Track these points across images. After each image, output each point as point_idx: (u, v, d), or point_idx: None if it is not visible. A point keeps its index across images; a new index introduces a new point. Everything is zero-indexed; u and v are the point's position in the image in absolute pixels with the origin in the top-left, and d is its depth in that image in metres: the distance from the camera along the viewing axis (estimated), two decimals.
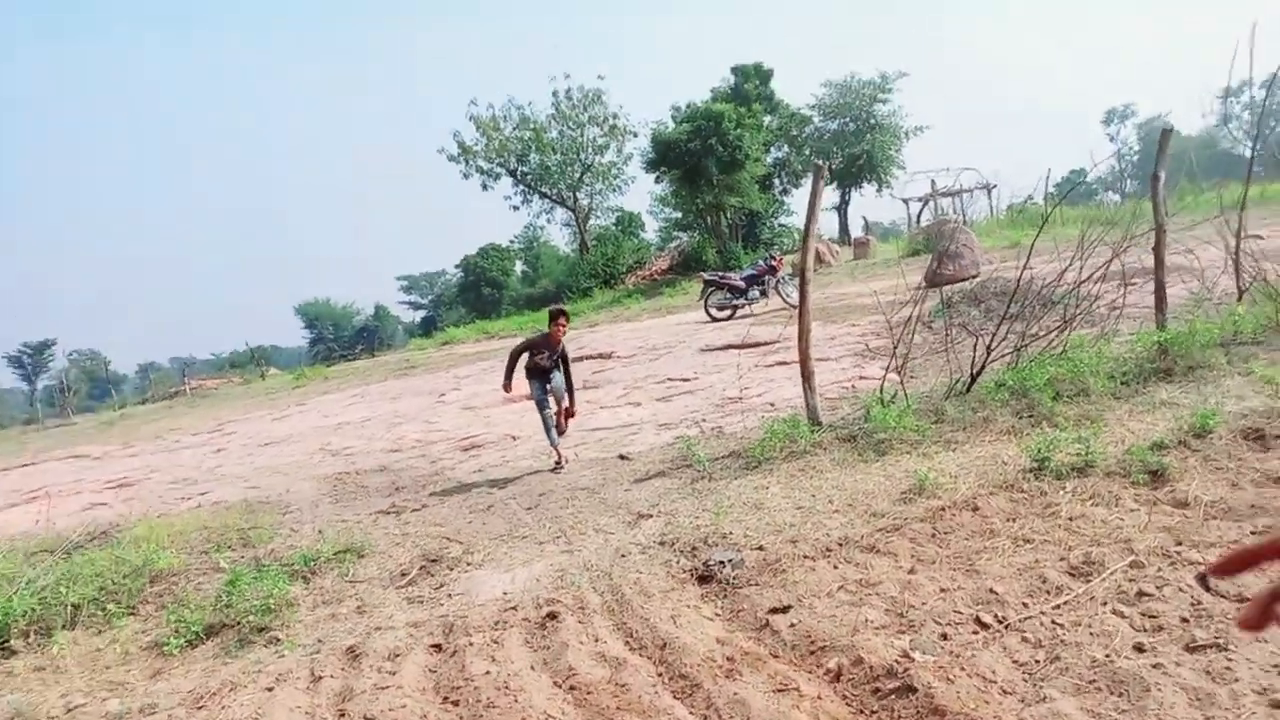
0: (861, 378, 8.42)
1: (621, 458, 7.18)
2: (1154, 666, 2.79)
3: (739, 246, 29.95)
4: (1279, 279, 7.20)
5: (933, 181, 33.03)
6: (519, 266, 59.78)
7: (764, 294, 16.90)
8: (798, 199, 36.15)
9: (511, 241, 60.20)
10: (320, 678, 3.87)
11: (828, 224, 36.22)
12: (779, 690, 3.11)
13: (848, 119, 31.91)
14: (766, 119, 32.27)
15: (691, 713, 3.09)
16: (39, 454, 16.59)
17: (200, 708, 3.76)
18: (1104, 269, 6.94)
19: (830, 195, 34.94)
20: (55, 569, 5.71)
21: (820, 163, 6.95)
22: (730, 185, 26.98)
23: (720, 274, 18.27)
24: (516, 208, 37.86)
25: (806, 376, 6.52)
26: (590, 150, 35.30)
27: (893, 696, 2.93)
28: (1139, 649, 2.93)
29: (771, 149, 33.32)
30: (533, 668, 3.66)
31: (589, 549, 5.09)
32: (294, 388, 22.62)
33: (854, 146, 31.40)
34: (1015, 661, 3.02)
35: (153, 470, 11.14)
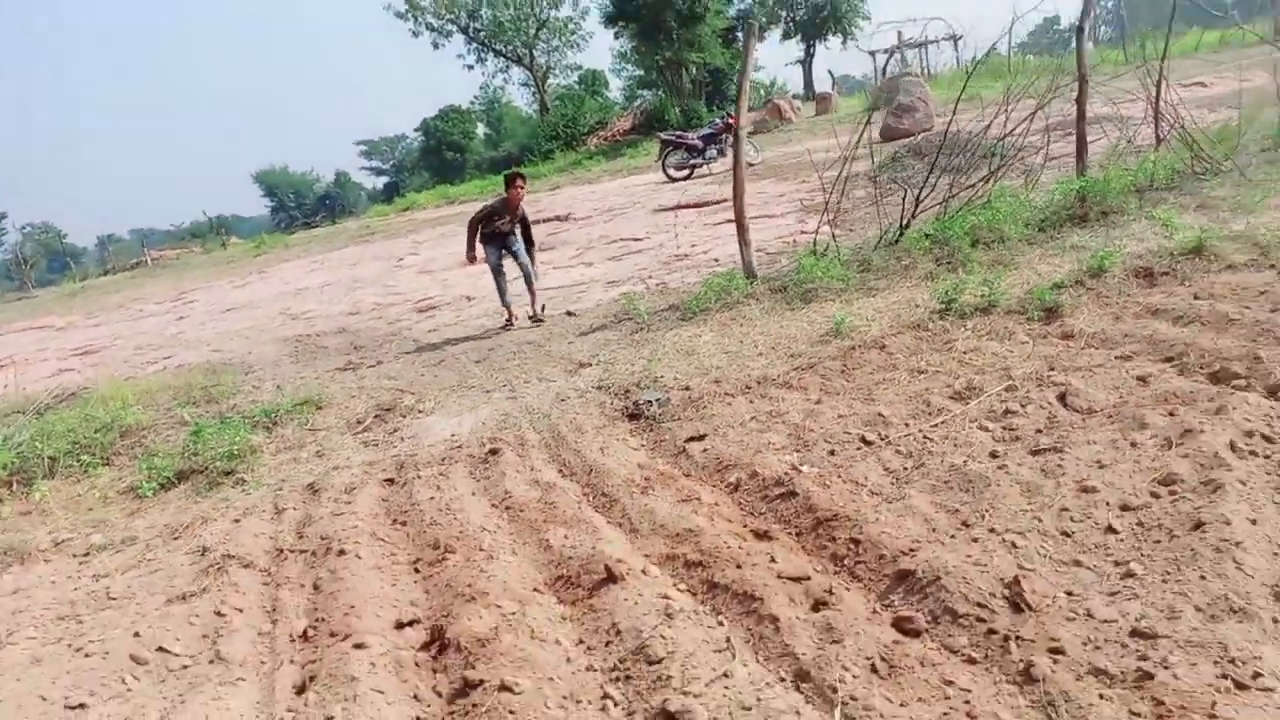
0: (803, 233, 8.67)
1: (568, 314, 7.50)
2: (999, 468, 3.23)
3: (702, 104, 29.33)
4: (1195, 127, 7.45)
5: (899, 33, 32.01)
6: (481, 129, 57.70)
7: (721, 153, 16.83)
8: (764, 53, 35.18)
9: (472, 103, 57.87)
10: (283, 510, 4.28)
11: (793, 79, 35.44)
12: (683, 500, 3.54)
13: None
14: None
15: (608, 522, 3.52)
16: (1, 326, 16.60)
17: (176, 538, 4.16)
18: (1028, 120, 7.15)
19: (795, 49, 34.01)
20: (29, 427, 6.01)
21: (752, 20, 6.94)
22: (690, 40, 26.19)
23: (678, 133, 18.10)
24: (470, 67, 36.54)
25: (742, 233, 6.77)
26: (545, 4, 33.69)
27: (778, 500, 3.37)
28: (993, 455, 3.38)
29: (734, 1, 32.08)
30: (473, 493, 4.07)
31: (531, 395, 5.47)
32: (254, 256, 22.47)
33: None
34: (886, 469, 3.47)
35: (117, 338, 11.31)
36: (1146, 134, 8.18)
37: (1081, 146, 7.19)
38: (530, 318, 7.46)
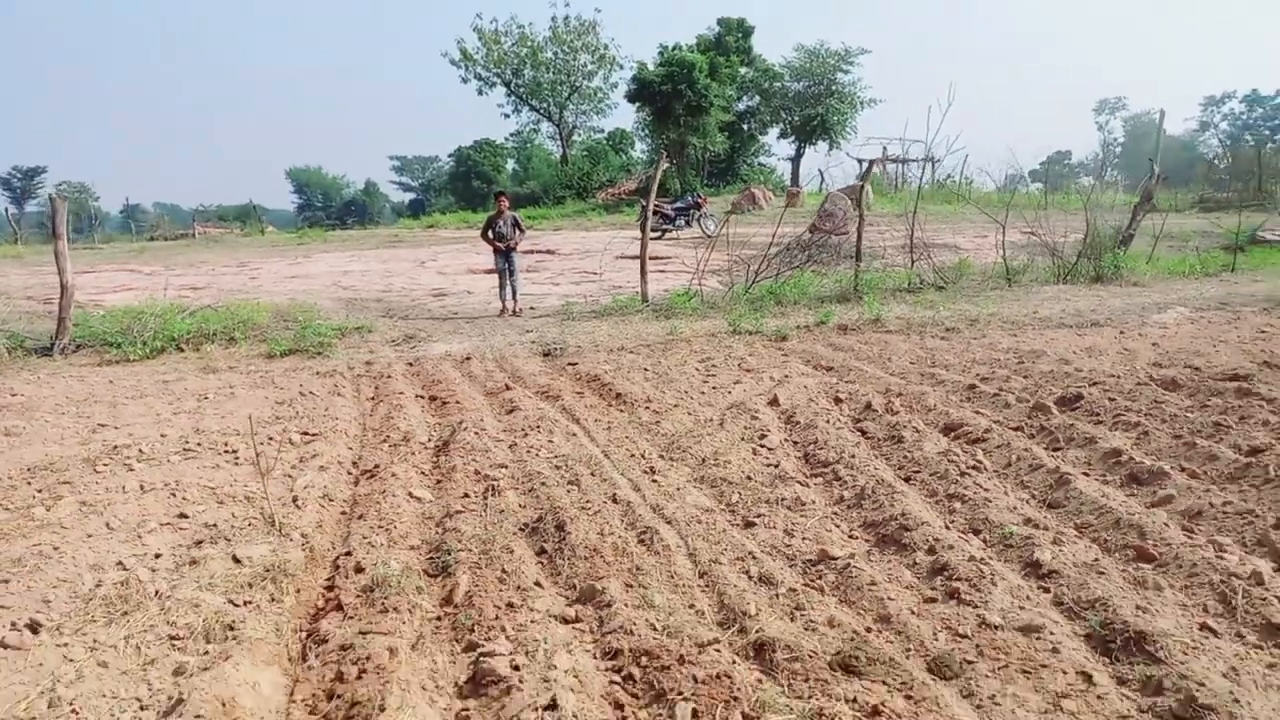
0: (701, 283, 12.86)
1: (530, 309, 11.62)
2: (686, 378, 7.29)
3: (700, 180, 33.98)
4: (934, 261, 11.74)
5: (884, 148, 37.07)
6: (511, 164, 62.14)
7: (688, 223, 21.20)
8: (773, 144, 40.43)
9: (507, 139, 62.57)
10: (352, 366, 8.32)
11: (783, 170, 40.39)
12: (552, 380, 7.59)
13: (811, 82, 35.54)
14: (743, 70, 35.88)
15: (515, 384, 7.55)
16: (94, 265, 20.66)
17: (296, 371, 8.19)
18: (819, 236, 11.38)
19: (788, 147, 39.07)
20: (192, 316, 10.06)
21: (664, 152, 11.18)
22: (695, 127, 30.88)
23: (656, 202, 22.46)
24: (507, 115, 41.52)
25: (643, 274, 10.96)
26: (580, 75, 38.78)
27: (593, 382, 7.40)
28: (690, 376, 7.43)
29: (744, 98, 37.07)
30: (454, 371, 8.12)
31: (494, 341, 9.55)
32: (298, 244, 26.64)
33: (812, 108, 35.21)
34: (644, 378, 7.51)
35: (210, 285, 15.41)
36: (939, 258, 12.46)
37: (858, 255, 11.44)
38: (513, 312, 11.46)
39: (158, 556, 3.52)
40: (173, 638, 2.80)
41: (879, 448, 5.01)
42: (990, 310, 9.81)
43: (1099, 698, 2.39)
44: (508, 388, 7.02)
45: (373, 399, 7.01)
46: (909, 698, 2.40)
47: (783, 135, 37.92)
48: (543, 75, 38.53)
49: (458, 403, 6.50)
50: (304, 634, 3.00)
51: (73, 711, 2.40)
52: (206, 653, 2.72)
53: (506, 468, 4.78)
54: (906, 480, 4.39)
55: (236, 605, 3.02)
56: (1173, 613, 2.81)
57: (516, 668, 2.57)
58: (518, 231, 11.40)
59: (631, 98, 32.41)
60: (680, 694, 2.41)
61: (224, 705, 2.37)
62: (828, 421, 5.50)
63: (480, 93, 39.13)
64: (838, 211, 19.11)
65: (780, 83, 36.49)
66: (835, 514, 4.02)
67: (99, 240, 33.77)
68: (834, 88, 35.31)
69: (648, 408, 6.23)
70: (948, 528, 3.68)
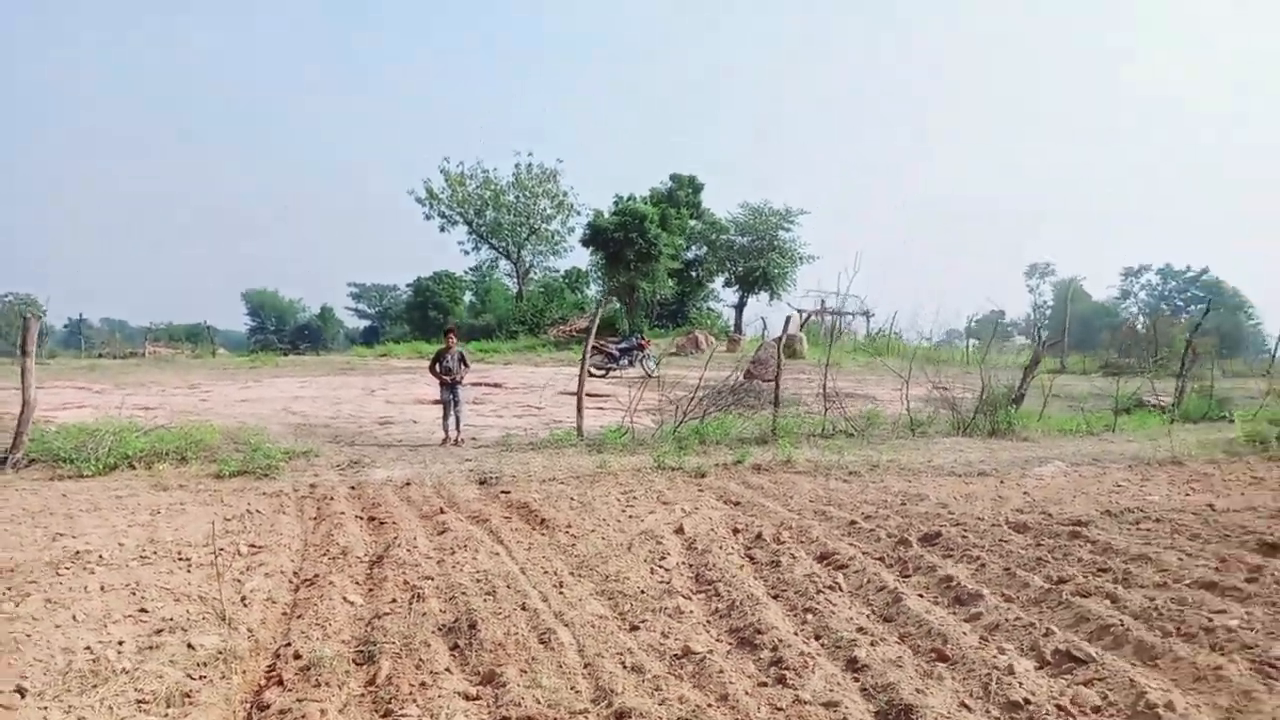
0: (634, 421, 13.76)
1: (472, 439, 12.35)
2: (605, 508, 8.03)
3: (647, 321, 35.64)
4: (850, 407, 12.89)
5: (823, 301, 39.48)
6: (468, 296, 63.82)
7: (631, 363, 22.40)
8: (719, 289, 42.76)
9: (466, 273, 64.64)
10: (297, 488, 8.91)
11: (729, 316, 42.53)
12: (484, 506, 8.27)
13: (754, 237, 38.23)
14: (692, 222, 38.46)
15: (449, 510, 8.21)
16: (43, 382, 20.86)
17: (244, 491, 8.75)
18: (725, 385, 12.45)
19: (733, 295, 41.43)
20: (146, 435, 10.58)
21: (606, 295, 12.33)
22: (645, 272, 32.82)
23: (602, 342, 23.71)
24: (467, 252, 43.44)
25: (579, 410, 11.84)
26: (539, 218, 41.15)
27: (521, 509, 8.10)
28: (610, 507, 8.18)
29: (692, 248, 39.52)
30: (393, 495, 8.76)
31: (434, 469, 10.22)
32: (250, 367, 27.13)
33: (755, 260, 37.71)
34: (570, 507, 8.23)
35: (161, 405, 15.85)
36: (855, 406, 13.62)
37: (777, 401, 12.51)
38: (454, 442, 12.20)
39: (121, 643, 4.09)
40: (140, 701, 3.40)
41: (760, 570, 5.79)
42: (890, 457, 10.84)
43: None
44: (442, 511, 7.69)
45: (315, 518, 7.60)
46: None
47: (727, 284, 40.30)
48: (504, 217, 40.81)
49: (394, 523, 7.15)
50: (249, 704, 3.61)
51: None
52: (168, 714, 3.33)
53: (432, 579, 5.44)
54: (775, 597, 5.17)
55: (193, 679, 3.63)
56: (943, 695, 3.60)
57: None
58: (463, 366, 12.35)
59: (586, 242, 34.46)
60: None
61: None
62: (721, 548, 6.29)
63: (442, 230, 41.19)
64: (770, 359, 20.46)
65: (726, 235, 39.08)
66: (708, 621, 4.76)
67: (45, 355, 33.70)
68: (775, 243, 37.94)
69: (567, 532, 6.95)
70: (795, 633, 4.45)
